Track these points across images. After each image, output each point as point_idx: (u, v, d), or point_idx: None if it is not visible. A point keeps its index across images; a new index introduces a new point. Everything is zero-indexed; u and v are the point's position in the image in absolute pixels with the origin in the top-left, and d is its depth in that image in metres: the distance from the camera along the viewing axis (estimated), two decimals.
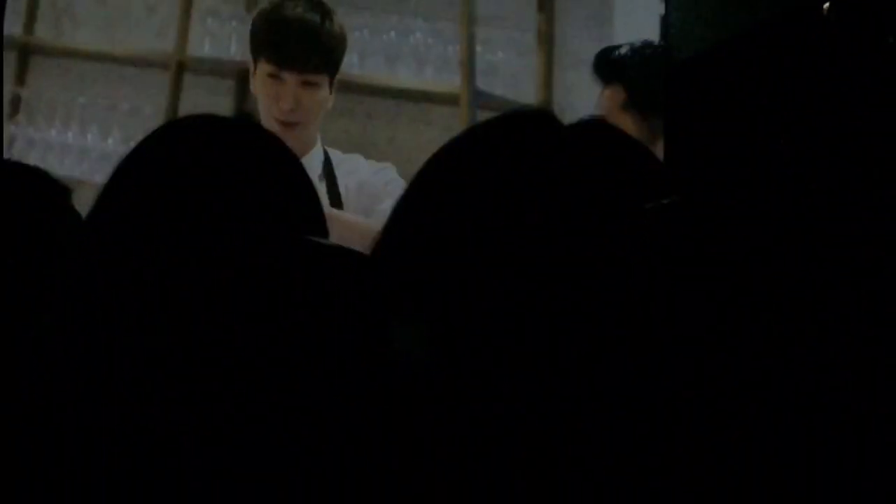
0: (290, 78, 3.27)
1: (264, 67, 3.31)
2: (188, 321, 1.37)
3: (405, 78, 4.51)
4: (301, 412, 1.33)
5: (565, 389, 1.35)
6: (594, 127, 1.51)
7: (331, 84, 3.34)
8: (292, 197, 1.50)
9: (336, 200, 3.43)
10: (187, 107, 4.64)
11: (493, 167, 1.42)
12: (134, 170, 1.50)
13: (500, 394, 1.36)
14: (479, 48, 4.46)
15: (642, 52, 3.19)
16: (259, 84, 3.34)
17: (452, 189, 1.43)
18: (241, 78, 4.61)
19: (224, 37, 4.65)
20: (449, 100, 4.45)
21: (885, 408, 1.29)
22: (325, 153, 3.45)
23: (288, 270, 1.37)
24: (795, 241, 1.32)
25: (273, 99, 3.28)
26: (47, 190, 1.68)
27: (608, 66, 3.21)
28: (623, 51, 3.22)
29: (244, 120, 1.57)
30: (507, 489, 1.35)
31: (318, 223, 1.52)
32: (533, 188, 1.41)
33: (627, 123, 3.05)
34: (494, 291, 1.38)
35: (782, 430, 1.30)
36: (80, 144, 4.76)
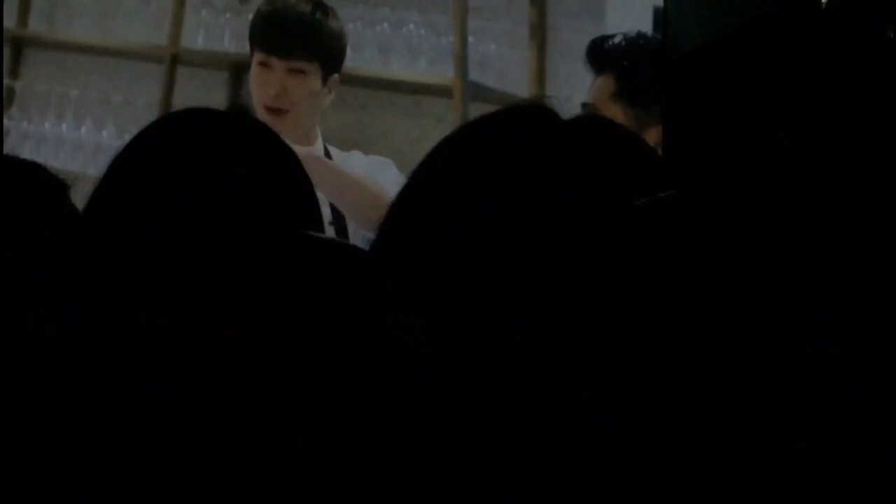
0: (277, 65, 3.36)
1: (256, 57, 3.42)
2: (185, 316, 1.37)
3: (398, 70, 4.52)
4: (298, 407, 1.33)
5: (563, 384, 1.35)
6: (594, 122, 1.51)
7: (325, 77, 3.38)
8: (288, 190, 1.50)
9: None
10: (181, 99, 4.65)
11: (492, 162, 1.43)
12: (129, 164, 1.50)
13: (497, 389, 1.36)
14: (471, 39, 4.47)
15: (635, 42, 3.19)
16: (251, 74, 3.44)
17: (451, 184, 1.43)
18: (236, 70, 4.61)
19: (218, 29, 4.66)
20: (442, 91, 4.46)
21: (886, 405, 1.29)
22: (326, 150, 3.48)
23: (285, 265, 1.37)
24: (794, 235, 1.31)
25: (262, 87, 3.38)
26: (45, 186, 1.68)
27: (601, 55, 3.21)
28: (616, 40, 3.22)
29: (239, 113, 1.57)
30: (505, 484, 1.35)
31: (315, 217, 1.52)
32: (532, 184, 1.41)
33: (617, 113, 3.05)
34: (493, 286, 1.38)
35: (780, 429, 1.30)
36: (74, 137, 4.76)
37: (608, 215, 1.38)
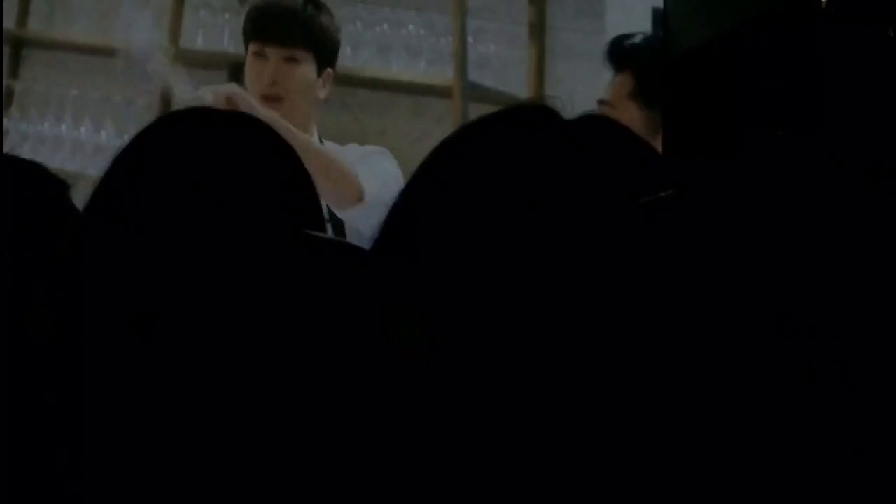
0: (272, 54, 3.40)
1: (251, 48, 3.45)
2: (185, 316, 1.38)
3: (398, 70, 4.53)
4: (298, 407, 1.33)
5: (565, 384, 1.36)
6: (595, 122, 1.52)
7: (319, 68, 3.43)
8: (289, 190, 1.51)
9: None
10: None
11: (493, 162, 1.43)
12: (130, 163, 1.51)
13: (498, 389, 1.37)
14: (470, 39, 4.48)
15: (654, 42, 3.21)
16: (246, 66, 3.46)
17: (452, 184, 1.44)
18: (235, 70, 4.60)
19: (217, 29, 4.68)
20: (441, 92, 4.47)
21: (886, 405, 1.30)
22: (322, 143, 3.49)
23: (286, 264, 1.38)
24: (794, 234, 1.32)
25: (257, 75, 3.41)
26: (46, 185, 1.69)
27: (620, 54, 3.23)
28: (636, 40, 3.24)
29: (240, 112, 1.58)
30: (505, 484, 1.35)
31: (316, 215, 1.53)
32: (534, 184, 1.42)
33: (634, 112, 3.06)
34: (494, 287, 1.39)
35: (781, 429, 1.31)
36: (74, 137, 4.77)
37: (609, 215, 1.39)
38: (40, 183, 1.69)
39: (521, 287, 1.38)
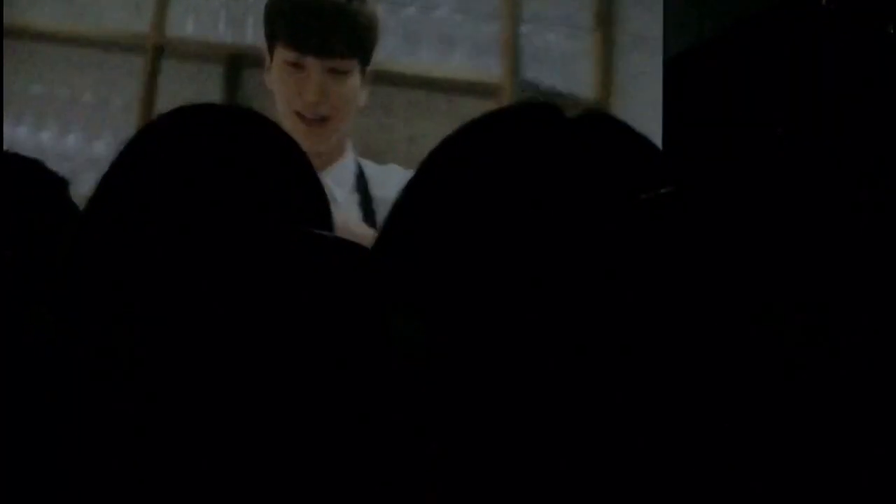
0: (313, 65, 3.47)
1: (282, 54, 3.51)
2: (186, 315, 1.59)
3: (429, 63, 4.51)
4: (298, 407, 1.56)
5: (567, 384, 1.58)
6: (597, 119, 1.72)
7: (362, 74, 3.47)
8: (294, 187, 1.74)
9: (370, 217, 3.54)
10: (166, 97, 4.62)
11: (494, 161, 1.66)
12: (130, 161, 1.75)
13: (500, 389, 1.59)
14: (521, 28, 4.46)
15: None
16: (276, 75, 3.50)
17: (453, 182, 1.67)
18: (232, 63, 4.58)
19: (211, 14, 4.64)
20: (484, 90, 4.44)
21: (886, 405, 1.51)
22: (359, 165, 3.56)
23: (285, 263, 1.59)
24: (794, 231, 1.56)
25: (294, 91, 3.47)
26: (45, 183, 1.95)
27: None
28: None
29: (245, 109, 1.76)
30: (507, 485, 1.58)
31: (323, 213, 1.75)
32: (535, 182, 1.65)
33: None
34: (496, 286, 1.61)
35: (783, 431, 1.52)
36: (35, 143, 4.70)
37: (611, 213, 1.61)
38: (40, 181, 1.94)
39: (522, 286, 1.61)
